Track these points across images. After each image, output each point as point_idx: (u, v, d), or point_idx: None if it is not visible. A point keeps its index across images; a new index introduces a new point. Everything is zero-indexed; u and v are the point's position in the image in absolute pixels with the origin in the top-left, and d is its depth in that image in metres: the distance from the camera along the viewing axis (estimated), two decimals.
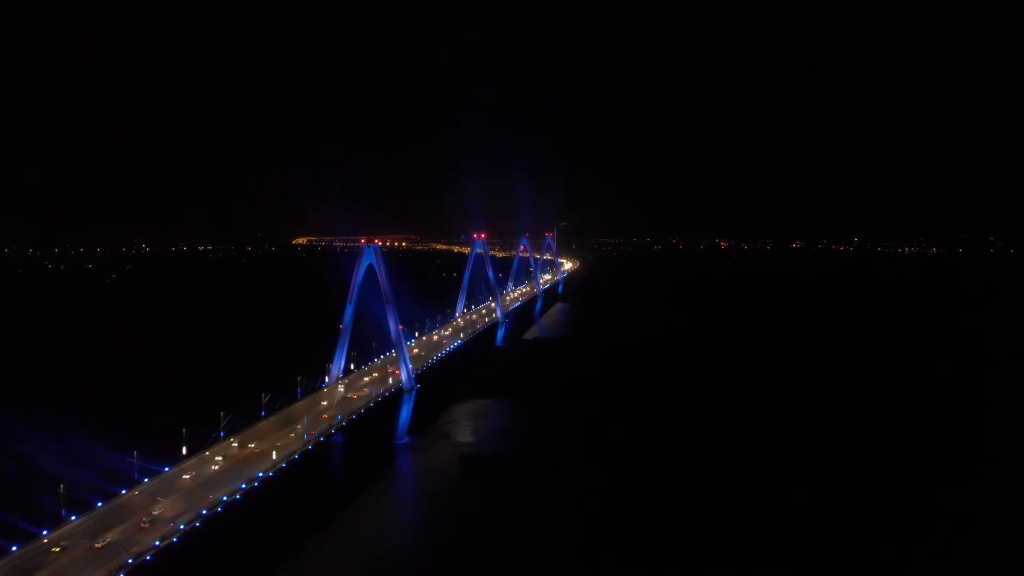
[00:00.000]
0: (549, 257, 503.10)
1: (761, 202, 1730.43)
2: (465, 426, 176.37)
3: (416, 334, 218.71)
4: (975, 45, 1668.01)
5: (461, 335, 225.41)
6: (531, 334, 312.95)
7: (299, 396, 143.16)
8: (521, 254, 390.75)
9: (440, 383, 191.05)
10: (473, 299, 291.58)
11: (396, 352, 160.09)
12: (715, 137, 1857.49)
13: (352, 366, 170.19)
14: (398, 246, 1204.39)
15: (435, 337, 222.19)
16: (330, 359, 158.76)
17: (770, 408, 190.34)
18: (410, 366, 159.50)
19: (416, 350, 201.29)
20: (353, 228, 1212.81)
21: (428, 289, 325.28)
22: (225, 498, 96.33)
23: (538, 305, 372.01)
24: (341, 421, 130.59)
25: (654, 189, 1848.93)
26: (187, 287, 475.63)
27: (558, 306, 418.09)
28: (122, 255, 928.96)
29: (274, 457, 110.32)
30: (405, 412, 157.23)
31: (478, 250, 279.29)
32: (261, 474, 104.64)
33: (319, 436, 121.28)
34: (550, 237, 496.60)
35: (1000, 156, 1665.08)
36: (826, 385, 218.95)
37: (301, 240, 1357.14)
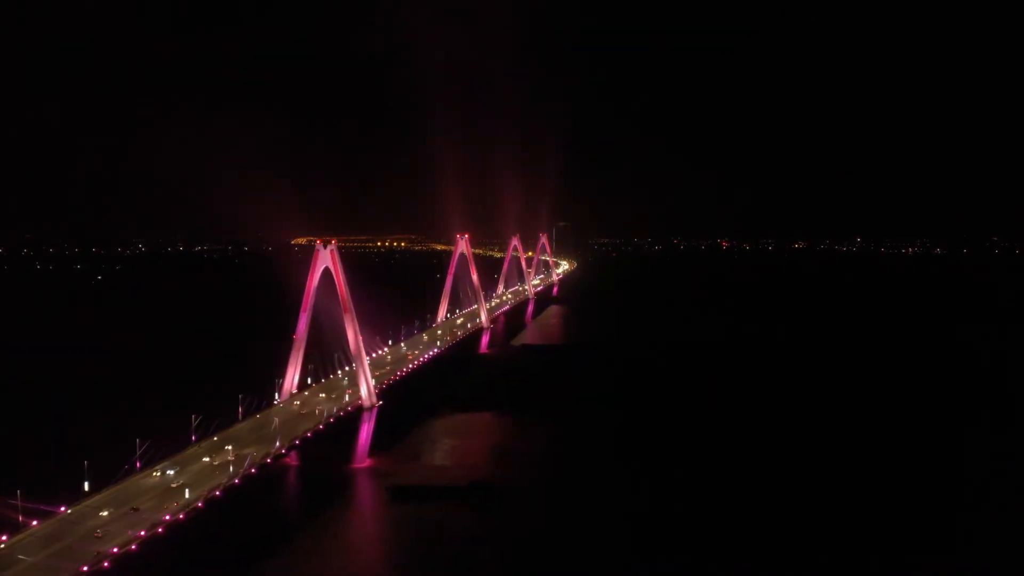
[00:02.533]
0: (543, 257, 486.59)
1: (763, 202, 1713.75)
2: (439, 445, 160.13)
3: (389, 342, 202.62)
4: (978, 44, 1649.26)
5: (438, 343, 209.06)
6: (519, 340, 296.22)
7: (240, 417, 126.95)
8: (512, 254, 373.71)
9: (413, 396, 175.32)
10: (459, 303, 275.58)
11: (356, 365, 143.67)
12: (717, 137, 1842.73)
13: (309, 380, 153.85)
14: (397, 246, 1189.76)
15: (411, 345, 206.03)
16: (282, 374, 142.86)
17: (770, 425, 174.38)
18: (371, 381, 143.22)
19: (389, 359, 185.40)
20: (353, 228, 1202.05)
21: (418, 291, 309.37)
22: (116, 550, 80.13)
23: (529, 309, 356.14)
24: (279, 449, 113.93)
25: (655, 189, 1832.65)
26: (169, 289, 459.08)
27: (551, 309, 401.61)
28: (117, 256, 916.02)
29: (187, 496, 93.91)
30: (365, 432, 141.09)
31: (462, 250, 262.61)
32: (168, 517, 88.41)
33: (250, 467, 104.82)
34: (545, 237, 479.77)
35: (1002, 156, 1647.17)
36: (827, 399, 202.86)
37: (300, 240, 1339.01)
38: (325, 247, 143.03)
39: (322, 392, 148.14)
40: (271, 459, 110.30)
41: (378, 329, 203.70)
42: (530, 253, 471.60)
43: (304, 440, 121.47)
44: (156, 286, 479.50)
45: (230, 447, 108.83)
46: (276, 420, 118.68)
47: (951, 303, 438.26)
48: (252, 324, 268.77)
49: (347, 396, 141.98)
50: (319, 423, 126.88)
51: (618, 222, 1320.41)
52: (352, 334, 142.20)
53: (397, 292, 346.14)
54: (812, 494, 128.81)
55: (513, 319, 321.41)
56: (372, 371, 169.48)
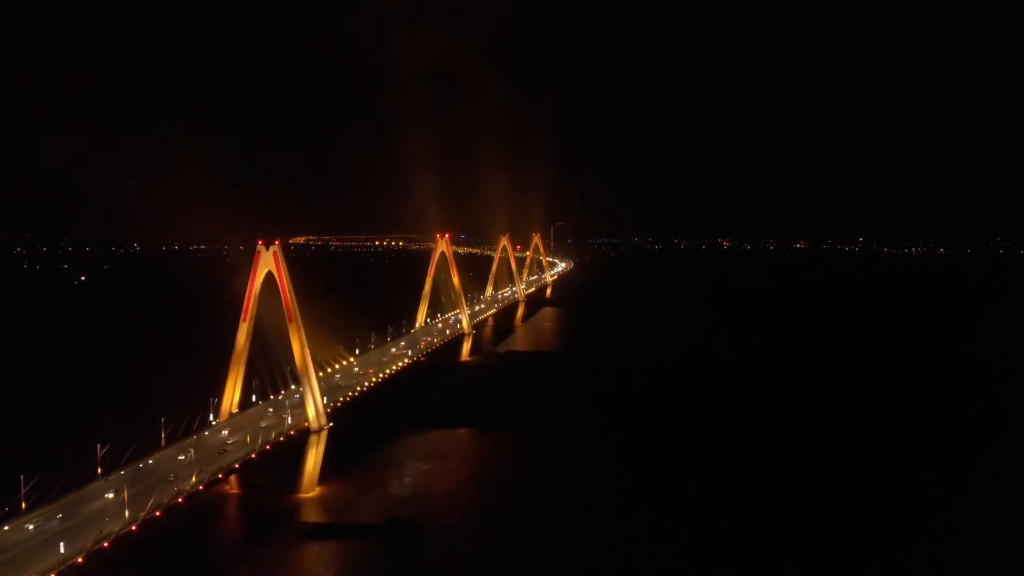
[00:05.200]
0: (536, 256, 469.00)
1: (765, 201, 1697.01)
2: (404, 469, 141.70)
3: (357, 351, 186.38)
4: (981, 42, 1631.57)
5: (410, 352, 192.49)
6: (505, 346, 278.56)
7: (163, 443, 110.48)
8: (503, 255, 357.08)
9: (380, 412, 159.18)
10: (441, 307, 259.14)
11: (302, 383, 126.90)
12: (718, 136, 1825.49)
13: (254, 397, 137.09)
14: (394, 245, 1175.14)
15: (382, 353, 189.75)
16: (217, 392, 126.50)
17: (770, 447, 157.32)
18: (319, 399, 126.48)
19: (356, 371, 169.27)
20: (352, 227, 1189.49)
21: (402, 294, 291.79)
22: None
23: (519, 312, 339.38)
24: (197, 484, 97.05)
25: (655, 188, 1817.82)
26: (147, 290, 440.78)
27: (543, 312, 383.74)
28: (110, 254, 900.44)
29: (62, 551, 77.37)
30: (313, 457, 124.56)
31: (442, 251, 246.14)
32: None
33: (154, 509, 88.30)
34: (538, 236, 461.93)
35: (1005, 155, 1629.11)
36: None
37: (299, 239, 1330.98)
38: (268, 247, 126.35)
39: (265, 412, 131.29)
40: (183, 498, 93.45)
41: (350, 336, 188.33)
42: (526, 253, 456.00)
43: (230, 471, 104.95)
44: (134, 287, 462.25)
45: (123, 487, 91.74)
46: (192, 451, 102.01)
47: (965, 307, 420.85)
48: (217, 331, 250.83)
49: (289, 418, 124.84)
50: (251, 451, 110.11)
51: (618, 221, 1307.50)
52: (298, 346, 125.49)
53: (381, 294, 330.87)
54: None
55: (501, 323, 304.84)
56: (334, 383, 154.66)
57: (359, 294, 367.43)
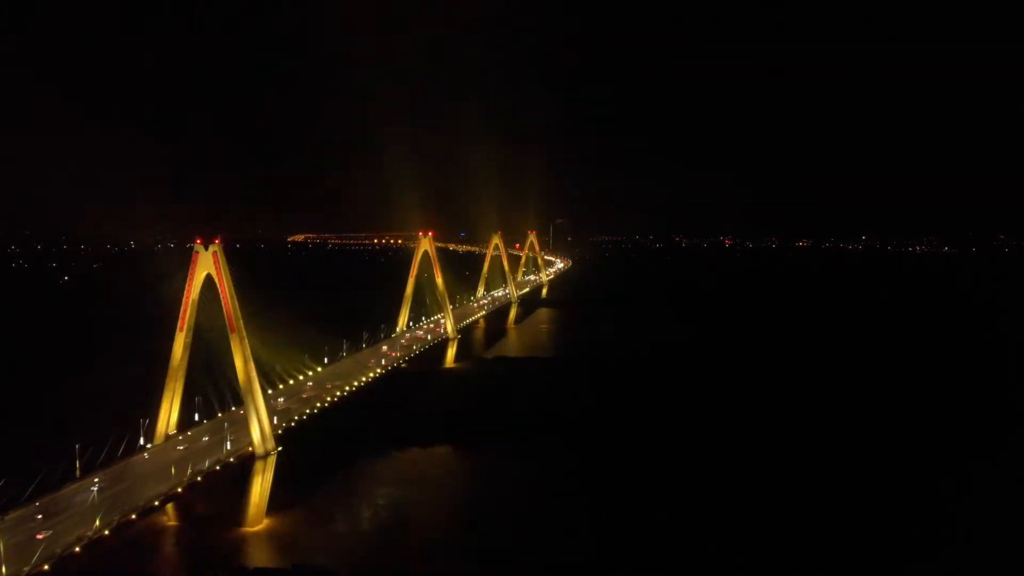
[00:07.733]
0: (531, 255, 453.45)
1: (767, 199, 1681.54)
2: (369, 497, 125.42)
3: (325, 360, 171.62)
4: (984, 41, 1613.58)
5: (384, 360, 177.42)
6: (495, 351, 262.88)
7: (78, 474, 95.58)
8: (495, 253, 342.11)
9: (345, 427, 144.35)
10: (426, 310, 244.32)
11: (245, 401, 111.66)
12: (719, 133, 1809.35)
13: (198, 416, 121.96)
14: (392, 243, 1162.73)
15: (355, 362, 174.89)
16: (149, 411, 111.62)
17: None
18: (265, 421, 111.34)
19: (325, 380, 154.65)
20: (353, 226, 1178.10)
21: (391, 294, 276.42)
22: None
23: (512, 314, 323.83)
24: (101, 530, 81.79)
25: (656, 186, 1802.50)
26: (122, 290, 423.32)
27: (539, 314, 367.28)
28: (105, 253, 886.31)
29: None
30: (258, 487, 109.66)
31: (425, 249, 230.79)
32: None
33: (43, 561, 73.37)
34: (534, 234, 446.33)
35: (1008, 152, 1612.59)
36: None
37: (298, 237, 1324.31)
38: (207, 247, 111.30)
39: (205, 436, 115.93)
40: (82, 548, 78.40)
41: (323, 342, 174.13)
42: (525, 252, 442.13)
43: (147, 510, 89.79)
44: (111, 287, 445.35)
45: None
46: (95, 488, 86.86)
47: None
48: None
49: (228, 443, 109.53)
50: (178, 484, 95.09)
51: (619, 219, 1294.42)
52: (241, 360, 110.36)
53: (366, 295, 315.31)
54: None
55: (492, 325, 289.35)
56: (296, 397, 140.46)
57: (345, 294, 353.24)
